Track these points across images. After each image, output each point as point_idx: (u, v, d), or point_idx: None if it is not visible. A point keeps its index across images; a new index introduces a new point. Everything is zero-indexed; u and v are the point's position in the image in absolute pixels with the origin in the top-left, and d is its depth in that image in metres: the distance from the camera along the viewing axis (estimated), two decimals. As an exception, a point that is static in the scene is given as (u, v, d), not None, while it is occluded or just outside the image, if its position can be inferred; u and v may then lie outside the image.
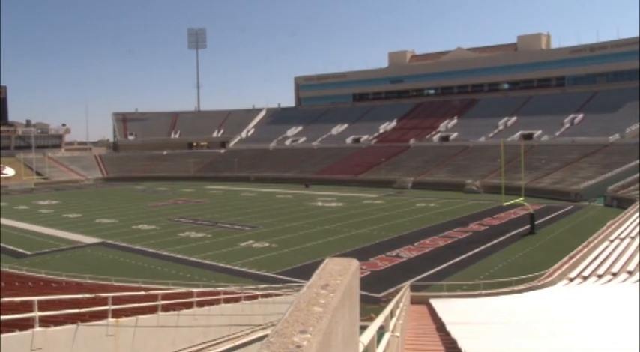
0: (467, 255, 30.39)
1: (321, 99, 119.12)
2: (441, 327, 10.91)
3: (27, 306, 7.97)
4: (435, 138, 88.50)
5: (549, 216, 42.83)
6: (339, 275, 1.98)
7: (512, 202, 39.34)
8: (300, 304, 1.62)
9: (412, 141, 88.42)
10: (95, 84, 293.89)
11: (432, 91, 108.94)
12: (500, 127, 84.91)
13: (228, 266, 29.32)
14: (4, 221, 49.29)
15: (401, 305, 9.79)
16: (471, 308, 14.85)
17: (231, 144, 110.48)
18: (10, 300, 8.60)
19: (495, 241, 33.97)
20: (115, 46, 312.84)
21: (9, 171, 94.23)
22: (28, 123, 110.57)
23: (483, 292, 19.67)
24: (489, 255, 30.38)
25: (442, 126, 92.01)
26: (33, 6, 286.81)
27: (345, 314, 1.81)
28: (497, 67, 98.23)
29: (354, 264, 2.23)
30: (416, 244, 33.54)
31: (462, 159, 75.94)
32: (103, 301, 9.36)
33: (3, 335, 6.68)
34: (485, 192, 61.01)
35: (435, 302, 15.89)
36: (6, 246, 37.39)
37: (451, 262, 28.76)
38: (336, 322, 1.62)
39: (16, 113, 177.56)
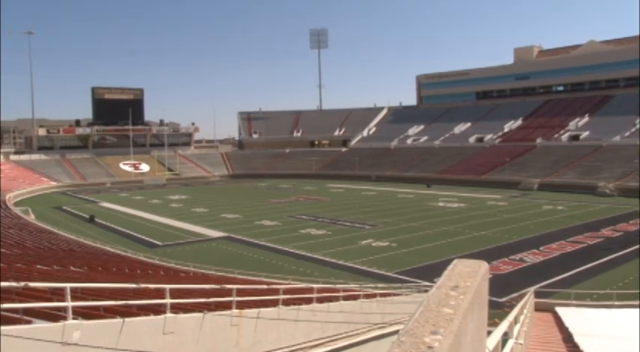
0: (598, 262, 28.52)
1: (443, 97, 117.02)
2: (567, 338, 10.35)
3: (159, 293, 8.44)
4: (564, 137, 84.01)
5: (694, 223, 39.31)
6: (469, 277, 1.90)
7: (651, 207, 36.53)
8: (430, 305, 1.57)
9: (539, 140, 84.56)
10: (222, 85, 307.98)
11: (560, 88, 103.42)
12: (638, 126, 78.99)
13: (347, 264, 29.51)
14: (141, 213, 52.85)
15: (525, 311, 9.38)
16: (603, 320, 13.92)
17: (353, 142, 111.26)
18: (146, 287, 9.16)
19: (631, 249, 31.55)
20: (240, 47, 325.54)
21: (144, 167, 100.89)
22: (162, 123, 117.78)
23: (617, 303, 18.35)
24: (624, 263, 28.30)
25: (572, 124, 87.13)
26: (164, 14, 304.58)
27: (474, 318, 1.74)
28: (635, 60, 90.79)
29: (483, 266, 2.13)
30: (541, 248, 32.01)
31: (593, 159, 71.53)
32: (228, 292, 9.71)
33: (139, 319, 7.12)
34: (619, 195, 57.14)
35: (562, 311, 15.09)
36: (141, 236, 40.08)
37: (580, 269, 27.14)
38: (466, 325, 1.55)
39: (151, 113, 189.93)
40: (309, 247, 34.25)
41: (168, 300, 7.70)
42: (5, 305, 5.77)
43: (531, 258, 29.84)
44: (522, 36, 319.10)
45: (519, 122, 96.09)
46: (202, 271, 23.72)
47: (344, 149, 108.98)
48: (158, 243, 37.56)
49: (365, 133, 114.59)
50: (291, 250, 33.68)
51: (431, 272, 26.11)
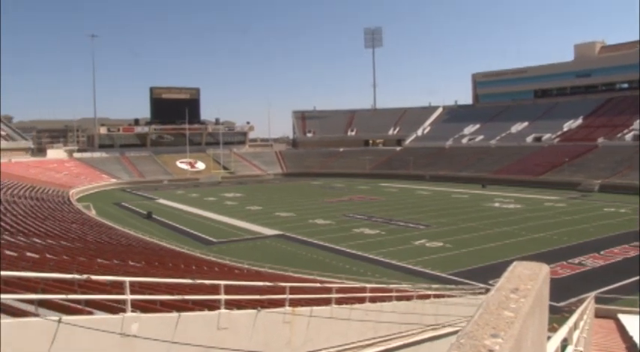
0: (664, 267, 27.40)
1: (499, 96, 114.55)
2: (631, 347, 9.95)
3: (214, 289, 8.58)
4: (628, 136, 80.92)
5: None
6: (529, 279, 1.86)
7: None
8: (490, 307, 1.54)
9: (600, 140, 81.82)
10: (277, 84, 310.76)
11: (625, 85, 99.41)
12: None
13: (401, 264, 29.31)
14: (197, 210, 53.85)
15: (585, 317, 9.09)
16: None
17: (407, 142, 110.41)
18: (201, 282, 9.33)
19: (699, 253, 30.25)
20: (295, 47, 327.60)
21: (200, 165, 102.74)
22: (217, 122, 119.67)
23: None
24: (691, 268, 27.12)
25: (636, 123, 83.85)
26: (219, 14, 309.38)
27: (535, 322, 1.70)
28: None
29: (544, 269, 2.08)
30: (602, 252, 30.95)
31: (659, 160, 68.76)
32: (281, 290, 9.77)
33: (195, 313, 7.26)
34: (686, 198, 54.72)
35: (625, 318, 14.50)
36: (197, 233, 40.84)
37: (645, 274, 26.12)
38: (527, 329, 1.51)
39: (206, 112, 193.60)
40: (362, 246, 34.17)
41: (222, 296, 7.82)
42: (70, 296, 6.00)
43: (591, 261, 28.92)
44: (583, 32, 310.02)
45: (579, 121, 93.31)
46: (256, 268, 23.99)
47: (398, 148, 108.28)
48: (213, 239, 38.19)
49: (419, 132, 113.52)
50: (345, 249, 33.66)
51: (485, 273, 25.67)
